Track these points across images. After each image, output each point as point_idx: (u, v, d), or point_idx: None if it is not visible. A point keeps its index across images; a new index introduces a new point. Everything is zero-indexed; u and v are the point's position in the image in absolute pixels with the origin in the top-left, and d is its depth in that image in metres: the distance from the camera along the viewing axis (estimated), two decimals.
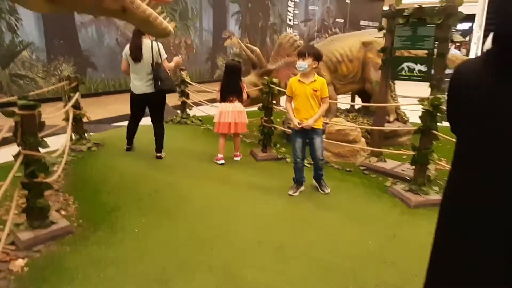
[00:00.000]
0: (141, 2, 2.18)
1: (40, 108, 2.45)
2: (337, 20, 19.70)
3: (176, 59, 4.38)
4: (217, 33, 13.14)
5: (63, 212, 2.94)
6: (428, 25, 3.29)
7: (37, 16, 8.34)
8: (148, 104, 4.31)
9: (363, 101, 5.57)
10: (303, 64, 3.09)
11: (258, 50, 4.66)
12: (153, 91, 4.10)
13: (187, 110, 6.24)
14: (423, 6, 3.31)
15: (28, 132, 2.35)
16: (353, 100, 5.98)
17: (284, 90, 4.24)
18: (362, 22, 21.83)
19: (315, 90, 3.15)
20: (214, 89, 5.05)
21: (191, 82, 6.00)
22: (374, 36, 4.86)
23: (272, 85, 4.02)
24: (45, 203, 2.56)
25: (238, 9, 13.82)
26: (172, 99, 6.30)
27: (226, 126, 3.99)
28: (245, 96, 4.04)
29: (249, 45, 4.86)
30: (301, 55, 3.11)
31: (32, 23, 8.28)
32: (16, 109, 2.35)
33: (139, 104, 4.35)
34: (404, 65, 3.56)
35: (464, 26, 23.54)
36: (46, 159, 2.49)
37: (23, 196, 2.56)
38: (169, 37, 11.31)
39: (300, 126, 3.18)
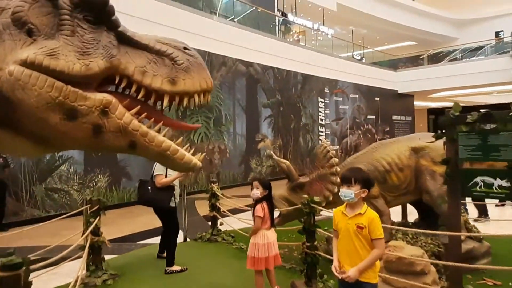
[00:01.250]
0: (157, 134, 1.79)
1: (29, 264, 1.96)
2: (369, 116, 19.79)
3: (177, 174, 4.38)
4: (250, 137, 13.29)
5: None
6: (502, 133, 2.72)
7: None
8: None
9: (420, 213, 4.77)
10: (348, 192, 2.39)
11: (287, 162, 4.22)
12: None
13: (218, 225, 5.66)
14: (491, 112, 2.78)
15: None
16: (404, 212, 5.20)
17: (321, 209, 3.68)
18: (394, 117, 21.83)
19: (360, 227, 2.35)
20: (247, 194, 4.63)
21: (222, 195, 5.55)
22: (424, 140, 4.32)
23: (313, 205, 3.42)
24: None
25: (270, 113, 14.20)
26: (203, 208, 5.83)
27: (262, 262, 3.33)
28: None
29: (280, 158, 4.48)
30: (346, 181, 2.45)
31: None
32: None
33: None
34: (478, 179, 2.89)
35: None
36: None
37: None
38: (203, 144, 11.50)
39: (337, 275, 2.41)
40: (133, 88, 1.77)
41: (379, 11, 21.11)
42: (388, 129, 21.14)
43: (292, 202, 4.07)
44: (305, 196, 3.58)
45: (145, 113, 1.82)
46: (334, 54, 18.25)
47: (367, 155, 4.34)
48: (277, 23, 17.00)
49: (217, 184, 5.71)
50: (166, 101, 1.75)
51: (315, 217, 3.60)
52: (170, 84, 1.73)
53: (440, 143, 4.32)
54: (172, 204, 4.45)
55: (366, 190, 2.44)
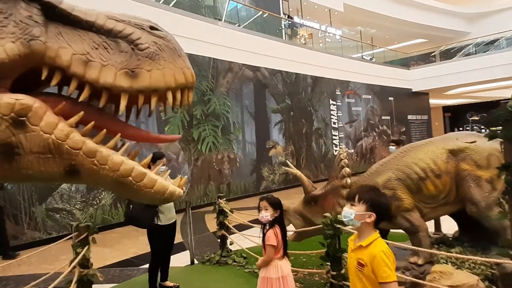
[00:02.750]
0: (112, 152, 1.27)
1: None
2: (383, 117, 19.04)
3: None
4: (260, 144, 12.73)
5: None
6: None
7: None
8: None
9: (461, 225, 4.10)
10: (347, 212, 1.88)
11: (299, 172, 3.63)
12: None
13: (228, 245, 5.08)
14: None
15: None
16: (437, 221, 4.53)
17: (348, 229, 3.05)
18: (409, 117, 21.01)
19: (361, 265, 1.84)
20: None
21: (231, 212, 4.97)
22: (463, 140, 3.68)
23: (338, 225, 2.81)
24: None
25: (280, 118, 13.63)
26: (214, 223, 5.27)
27: None
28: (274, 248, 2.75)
29: (290, 169, 3.88)
30: (350, 198, 1.97)
31: None
32: None
33: None
34: None
35: None
36: None
37: None
38: (212, 153, 11.00)
39: None
40: (72, 86, 1.24)
41: (387, 9, 20.47)
42: (404, 129, 20.33)
43: (306, 217, 3.48)
44: (326, 213, 2.97)
45: (93, 122, 1.30)
46: (343, 55, 17.64)
47: (396, 160, 3.71)
48: (283, 27, 16.52)
49: (225, 199, 5.13)
50: (123, 103, 1.24)
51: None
52: (129, 78, 1.24)
53: (483, 143, 3.70)
54: (159, 222, 3.91)
55: (373, 214, 1.84)
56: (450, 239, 3.93)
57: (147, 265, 5.45)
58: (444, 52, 22.36)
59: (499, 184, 3.54)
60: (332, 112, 15.96)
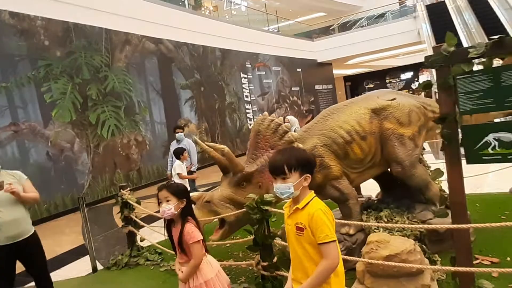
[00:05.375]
0: None
1: None
2: (293, 88, 19.42)
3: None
4: (171, 123, 11.72)
5: None
6: None
7: None
8: None
9: (383, 187, 4.00)
10: (284, 187, 1.62)
11: (226, 148, 3.04)
12: None
13: (138, 242, 4.32)
14: (504, 38, 1.92)
15: None
16: (357, 188, 4.38)
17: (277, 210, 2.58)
18: (317, 87, 21.88)
19: (300, 229, 1.64)
20: None
21: (137, 204, 4.17)
22: (384, 98, 3.48)
23: (265, 207, 2.32)
24: None
25: (190, 94, 12.74)
26: None
27: None
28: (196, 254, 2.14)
29: (214, 144, 3.21)
30: (277, 171, 1.64)
31: None
32: None
33: None
34: (490, 137, 2.06)
35: None
36: None
37: None
38: (115, 138, 9.71)
39: None
40: None
41: None
42: (312, 99, 21.11)
43: (240, 202, 2.91)
44: (251, 194, 2.44)
45: None
46: (251, 26, 17.22)
47: (320, 125, 3.36)
48: None
49: (128, 189, 4.30)
50: None
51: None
52: None
53: (402, 100, 3.55)
54: None
55: (309, 175, 1.66)
56: (376, 202, 3.80)
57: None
58: (342, 25, 23.61)
59: (420, 141, 3.45)
60: (243, 86, 15.59)
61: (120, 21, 10.07)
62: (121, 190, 4.23)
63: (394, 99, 3.46)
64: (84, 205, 4.14)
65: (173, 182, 2.26)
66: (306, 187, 1.67)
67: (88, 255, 4.33)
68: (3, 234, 2.85)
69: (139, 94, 10.69)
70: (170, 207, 2.12)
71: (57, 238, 6.00)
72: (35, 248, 3.07)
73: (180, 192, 2.18)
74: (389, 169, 3.56)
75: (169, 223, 2.24)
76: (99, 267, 4.33)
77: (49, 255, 5.03)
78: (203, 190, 7.76)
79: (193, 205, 2.45)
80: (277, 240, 2.46)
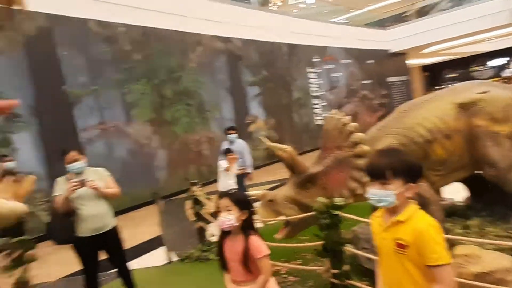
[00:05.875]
0: None
1: None
2: (364, 81, 18.49)
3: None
4: (240, 120, 12.00)
5: None
6: None
7: (35, 142, 7.40)
8: None
9: (472, 191, 3.57)
10: (383, 194, 1.43)
11: (289, 148, 2.95)
12: None
13: (208, 237, 4.46)
14: None
15: None
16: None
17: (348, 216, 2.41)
18: (389, 79, 20.58)
19: (401, 246, 1.44)
20: None
21: (207, 199, 4.31)
22: (474, 91, 3.07)
23: (336, 212, 2.19)
24: None
25: (258, 91, 12.86)
26: None
27: None
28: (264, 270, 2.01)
29: (276, 144, 3.15)
30: (377, 175, 1.45)
31: (29, 151, 7.31)
32: None
33: None
34: None
35: None
36: None
37: None
38: (188, 135, 10.21)
39: None
40: None
41: None
42: (385, 92, 19.90)
43: (303, 204, 2.83)
44: (320, 198, 2.33)
45: None
46: (319, 19, 16.78)
47: (396, 122, 3.09)
48: None
49: (198, 186, 4.46)
50: None
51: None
52: None
53: (497, 92, 3.11)
54: (81, 234, 3.19)
55: (413, 184, 1.43)
56: (463, 207, 3.40)
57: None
58: (419, 10, 21.77)
59: None
60: (311, 80, 15.27)
61: (192, 23, 10.51)
62: (192, 187, 4.40)
63: (487, 91, 3.04)
64: (159, 201, 4.39)
65: (235, 190, 2.20)
66: (407, 197, 1.48)
67: (164, 246, 4.60)
68: (88, 226, 3.14)
69: (210, 93, 11.08)
70: (231, 218, 1.96)
71: (137, 228, 6.50)
72: (116, 240, 3.35)
73: (242, 203, 2.03)
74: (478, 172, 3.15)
75: (223, 236, 2.08)
76: (174, 258, 4.57)
77: (129, 244, 5.47)
78: (271, 186, 7.79)
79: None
80: (348, 247, 2.31)
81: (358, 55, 18.07)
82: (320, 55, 15.81)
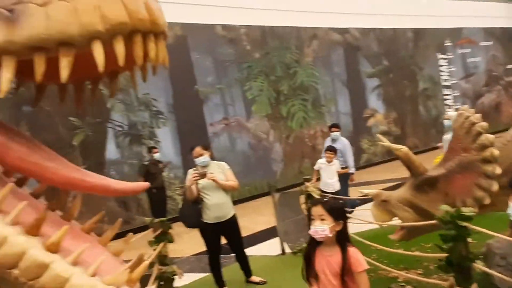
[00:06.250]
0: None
1: None
2: (509, 66, 15.51)
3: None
4: (356, 114, 11.58)
5: None
6: None
7: (173, 136, 8.58)
8: None
9: None
10: None
11: (404, 149, 2.73)
12: None
13: None
14: None
15: None
16: None
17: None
18: None
19: None
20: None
21: (318, 197, 4.33)
22: None
23: (463, 223, 1.96)
24: None
25: (377, 82, 12.14)
26: None
27: None
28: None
29: (390, 144, 2.95)
30: None
31: (169, 143, 8.51)
32: None
33: None
34: None
35: None
36: None
37: None
38: (303, 129, 10.36)
39: None
40: None
41: None
42: None
43: (420, 208, 2.62)
44: (444, 206, 2.12)
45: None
46: None
47: None
48: None
49: (311, 182, 4.53)
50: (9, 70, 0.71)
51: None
52: (4, 24, 0.72)
53: None
54: (206, 220, 3.60)
55: None
56: None
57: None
58: None
59: None
60: (441, 68, 13.58)
61: (308, 17, 10.53)
62: (305, 183, 4.49)
63: None
64: (274, 192, 4.62)
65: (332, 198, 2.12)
66: None
67: (278, 237, 4.84)
68: (211, 214, 3.57)
69: (325, 86, 10.98)
70: (325, 228, 1.83)
71: (255, 218, 6.95)
72: (234, 228, 3.73)
73: (337, 212, 1.91)
74: None
75: (313, 244, 1.97)
76: (287, 250, 4.76)
77: (246, 232, 5.92)
78: (389, 185, 7.31)
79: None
80: (478, 265, 2.03)
81: (502, 35, 15.23)
82: (453, 39, 13.90)
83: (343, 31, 11.43)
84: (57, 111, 6.89)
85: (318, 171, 5.51)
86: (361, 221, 3.92)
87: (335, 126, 6.33)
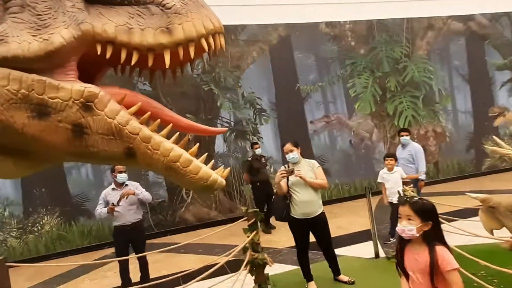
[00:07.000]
0: (164, 140, 1.42)
1: None
2: None
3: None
4: (479, 112, 10.16)
5: None
6: None
7: (274, 132, 8.92)
8: None
9: None
10: None
11: None
12: None
13: None
14: None
15: None
16: None
17: None
18: None
19: None
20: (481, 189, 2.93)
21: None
22: None
23: None
24: None
25: (510, 76, 10.41)
26: None
27: None
28: None
29: (502, 150, 2.57)
30: None
31: (270, 139, 8.88)
32: None
33: None
34: None
35: None
36: None
37: None
38: (412, 129, 9.57)
39: None
40: (123, 54, 1.39)
41: None
42: None
43: None
44: None
45: (149, 112, 1.46)
46: None
47: None
48: None
49: (411, 185, 4.21)
50: (167, 58, 1.38)
51: None
52: (166, 34, 1.38)
53: None
54: (294, 215, 3.68)
55: None
56: None
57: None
58: None
59: None
60: None
61: (422, 6, 9.64)
62: (404, 186, 4.21)
63: None
64: (370, 194, 4.47)
65: (421, 198, 2.01)
66: None
67: (372, 241, 4.66)
68: (299, 210, 3.67)
69: (440, 82, 9.92)
70: (412, 228, 1.86)
71: (351, 218, 6.80)
72: (322, 226, 3.76)
73: (425, 213, 1.87)
74: None
75: (403, 242, 1.97)
76: (382, 254, 4.56)
77: (341, 232, 5.86)
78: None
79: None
80: None
81: None
82: None
83: (466, 18, 10.12)
84: (176, 108, 7.88)
85: (383, 183, 5.08)
86: (468, 233, 3.52)
87: (404, 130, 5.83)
